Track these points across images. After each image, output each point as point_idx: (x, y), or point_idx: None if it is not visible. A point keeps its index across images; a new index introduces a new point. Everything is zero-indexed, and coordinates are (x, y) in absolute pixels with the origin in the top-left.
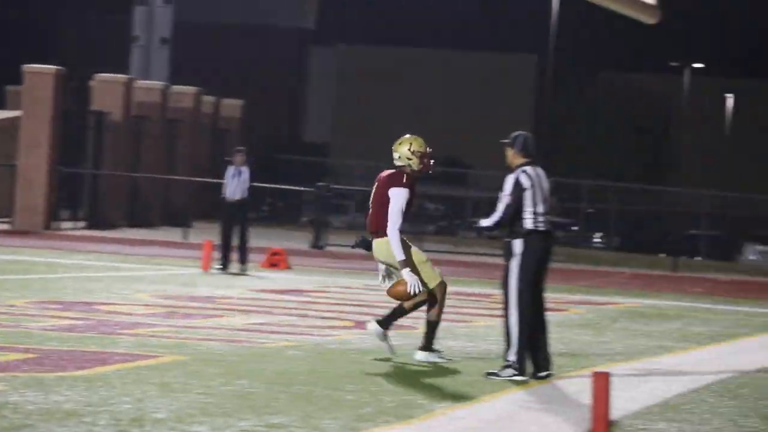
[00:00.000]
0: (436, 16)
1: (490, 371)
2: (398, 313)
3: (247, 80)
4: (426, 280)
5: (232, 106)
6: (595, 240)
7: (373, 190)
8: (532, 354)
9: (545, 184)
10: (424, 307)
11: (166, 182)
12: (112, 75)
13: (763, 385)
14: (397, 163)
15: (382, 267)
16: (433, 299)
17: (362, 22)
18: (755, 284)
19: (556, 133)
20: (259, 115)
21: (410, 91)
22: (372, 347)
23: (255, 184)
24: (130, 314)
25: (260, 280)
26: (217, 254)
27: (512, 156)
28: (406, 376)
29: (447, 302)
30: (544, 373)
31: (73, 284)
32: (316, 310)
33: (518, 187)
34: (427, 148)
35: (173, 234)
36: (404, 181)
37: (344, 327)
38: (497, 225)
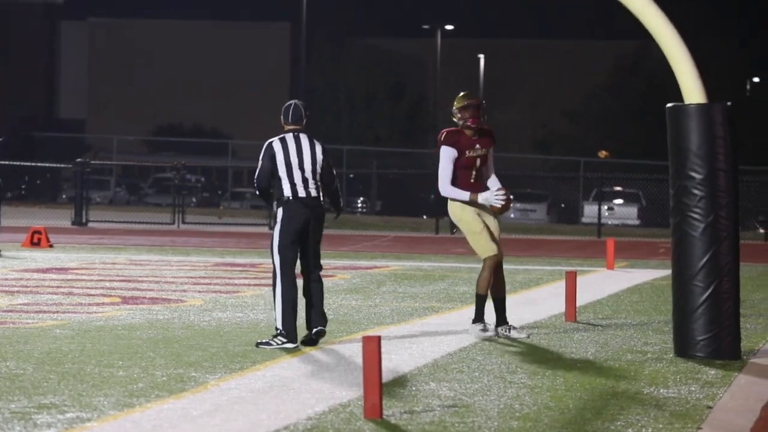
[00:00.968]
0: None
1: (261, 341)
2: (479, 301)
3: None
4: (478, 251)
5: None
6: (358, 204)
7: None
8: (306, 313)
9: (309, 151)
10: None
11: None
12: None
13: (527, 342)
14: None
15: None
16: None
17: None
18: (515, 241)
19: (313, 100)
20: (11, 94)
21: (166, 63)
22: (141, 322)
23: (11, 162)
24: None
25: (22, 260)
26: None
27: (282, 124)
28: (176, 351)
29: (216, 274)
30: (315, 329)
31: None
32: (81, 288)
33: (268, 154)
34: (467, 101)
35: None
36: (442, 139)
37: (111, 303)
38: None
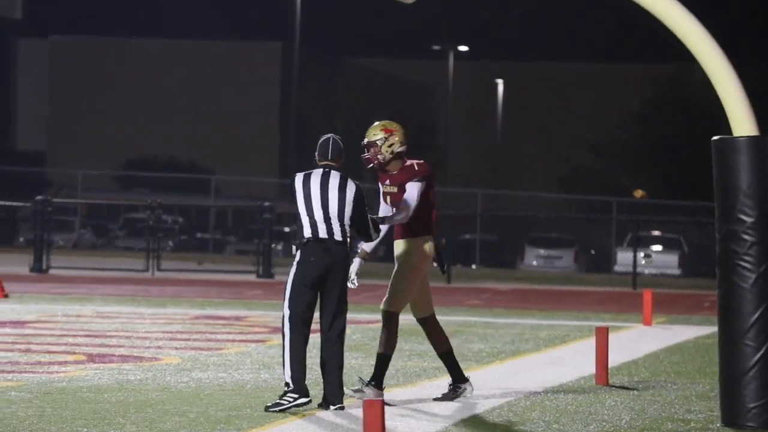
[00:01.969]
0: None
1: (269, 404)
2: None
3: None
4: (400, 304)
5: None
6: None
7: None
8: (323, 379)
9: (330, 190)
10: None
11: None
12: None
13: (552, 407)
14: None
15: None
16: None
17: (78, 10)
18: (538, 293)
19: (306, 128)
20: None
21: (139, 88)
22: (109, 383)
23: None
24: None
25: None
26: None
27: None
28: (150, 416)
29: (195, 328)
30: (334, 407)
31: None
32: (40, 344)
33: (293, 192)
34: (365, 139)
35: None
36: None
37: (75, 362)
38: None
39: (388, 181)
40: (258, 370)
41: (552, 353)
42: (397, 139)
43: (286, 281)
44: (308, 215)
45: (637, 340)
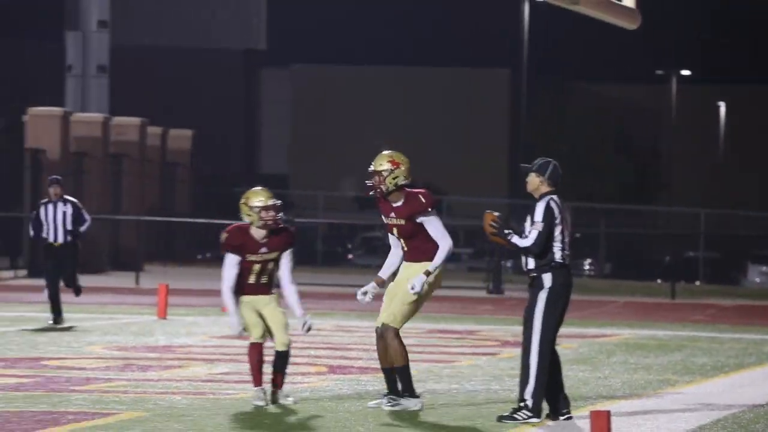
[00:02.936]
0: (394, 31)
1: (503, 415)
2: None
3: (195, 108)
4: (403, 320)
5: (180, 137)
6: (585, 267)
7: None
8: (551, 394)
9: (568, 215)
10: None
11: (113, 223)
12: (47, 108)
13: None
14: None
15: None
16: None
17: (317, 40)
18: (761, 309)
19: (534, 151)
20: (209, 146)
21: (370, 112)
22: (348, 394)
23: (209, 220)
24: (82, 369)
25: (222, 326)
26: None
27: (539, 183)
28: (385, 424)
29: (430, 342)
30: (564, 416)
31: (17, 338)
32: None
33: (551, 216)
34: (371, 167)
35: (124, 279)
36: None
37: (317, 373)
38: (526, 251)
39: (393, 214)
40: (489, 381)
41: None
42: (401, 172)
43: (535, 301)
44: (561, 239)
45: None
